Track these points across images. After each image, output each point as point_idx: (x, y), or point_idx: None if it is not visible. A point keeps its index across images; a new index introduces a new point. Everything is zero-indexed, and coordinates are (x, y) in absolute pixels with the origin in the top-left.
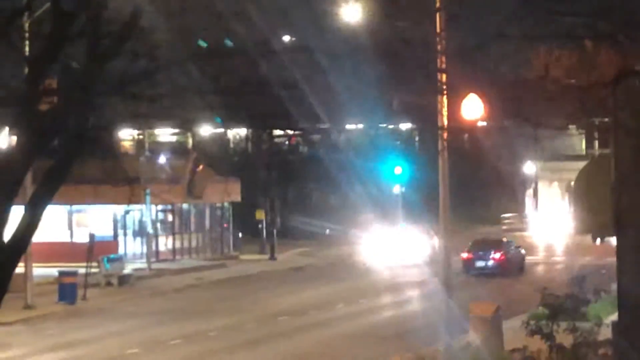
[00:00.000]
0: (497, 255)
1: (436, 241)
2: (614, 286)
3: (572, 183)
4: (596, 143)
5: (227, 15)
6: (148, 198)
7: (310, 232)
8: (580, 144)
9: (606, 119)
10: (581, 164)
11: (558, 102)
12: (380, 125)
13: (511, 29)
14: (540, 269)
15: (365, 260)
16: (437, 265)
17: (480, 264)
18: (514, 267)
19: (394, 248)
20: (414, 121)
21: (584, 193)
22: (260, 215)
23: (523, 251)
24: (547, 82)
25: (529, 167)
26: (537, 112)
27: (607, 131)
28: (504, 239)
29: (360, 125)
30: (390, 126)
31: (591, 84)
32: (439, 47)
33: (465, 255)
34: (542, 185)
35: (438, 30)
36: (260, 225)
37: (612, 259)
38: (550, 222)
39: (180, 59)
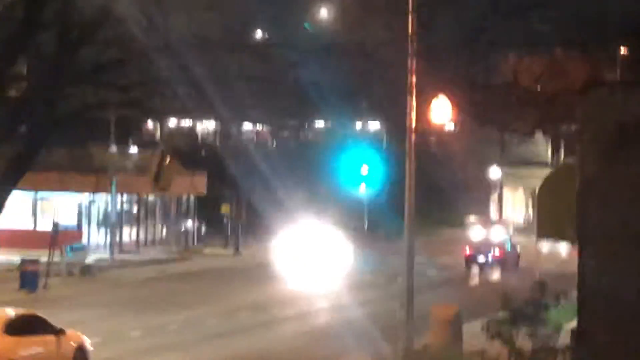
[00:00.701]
0: (497, 252)
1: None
2: (575, 293)
3: (537, 189)
4: (562, 151)
5: (200, 8)
6: (114, 188)
7: (276, 228)
8: (546, 151)
9: (573, 127)
10: (546, 171)
11: (526, 109)
12: (349, 124)
13: (482, 34)
14: (503, 274)
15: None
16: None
17: (481, 259)
18: (511, 261)
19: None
20: (382, 121)
21: (549, 200)
22: (225, 209)
23: (519, 249)
24: (516, 88)
25: (495, 172)
26: (505, 118)
27: (573, 139)
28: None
29: (329, 124)
30: (359, 126)
31: (559, 91)
32: (410, 48)
33: (467, 251)
34: (507, 191)
35: (410, 32)
36: (225, 220)
37: (574, 266)
38: (514, 227)
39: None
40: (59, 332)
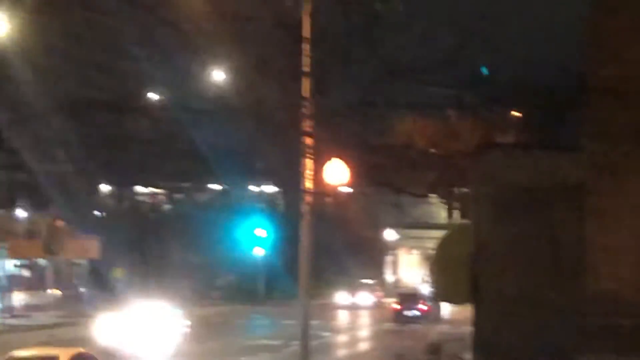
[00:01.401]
0: (424, 306)
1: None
2: (469, 355)
3: (432, 251)
4: (456, 212)
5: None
6: (4, 252)
7: (171, 292)
8: (441, 212)
9: (466, 189)
10: (441, 233)
11: (421, 170)
12: (244, 186)
13: (377, 96)
14: (401, 335)
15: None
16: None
17: (408, 313)
18: (434, 314)
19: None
20: (278, 184)
21: (444, 261)
22: (117, 273)
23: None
24: (411, 150)
25: (390, 234)
26: (400, 179)
27: (467, 201)
28: (423, 292)
29: (224, 186)
30: (255, 188)
31: (453, 153)
32: (305, 111)
33: (396, 306)
34: (401, 252)
35: (305, 94)
36: (119, 284)
37: (468, 327)
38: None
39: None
40: None
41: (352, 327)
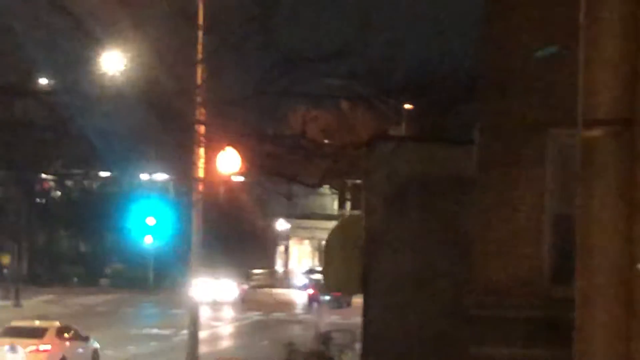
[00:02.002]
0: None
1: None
2: (359, 345)
3: (324, 241)
4: (348, 203)
5: None
6: None
7: (58, 279)
8: (332, 203)
9: (358, 180)
10: (332, 223)
11: (313, 161)
12: (136, 174)
13: (271, 85)
14: (290, 325)
15: None
16: None
17: (324, 297)
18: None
19: None
20: (169, 172)
21: (335, 252)
22: (5, 259)
23: None
24: (304, 140)
25: (282, 224)
26: (293, 170)
27: (359, 192)
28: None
29: (115, 173)
30: (147, 176)
31: (346, 144)
32: (198, 99)
33: (310, 291)
34: (293, 243)
35: (198, 82)
36: (5, 270)
37: (359, 318)
38: (300, 279)
39: None
40: (86, 338)
41: (244, 317)
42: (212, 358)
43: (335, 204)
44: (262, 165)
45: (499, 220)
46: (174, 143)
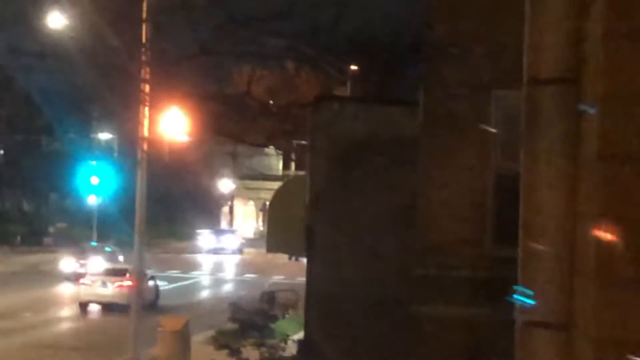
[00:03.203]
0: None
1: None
2: (302, 304)
3: (268, 202)
4: (292, 164)
5: None
6: None
7: (1, 238)
8: (277, 163)
9: (303, 141)
10: (277, 184)
11: (259, 121)
12: (80, 133)
13: (216, 45)
14: (234, 285)
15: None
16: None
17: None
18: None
19: None
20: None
21: (279, 212)
22: None
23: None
24: (249, 100)
25: (226, 185)
26: (238, 130)
27: (303, 152)
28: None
29: (60, 133)
30: (91, 135)
31: (290, 105)
32: (143, 57)
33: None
34: (238, 203)
35: (144, 40)
36: None
37: (303, 278)
38: (244, 239)
39: None
40: (153, 277)
41: (187, 277)
42: (156, 317)
43: (280, 165)
44: (207, 124)
45: (443, 180)
46: (119, 102)
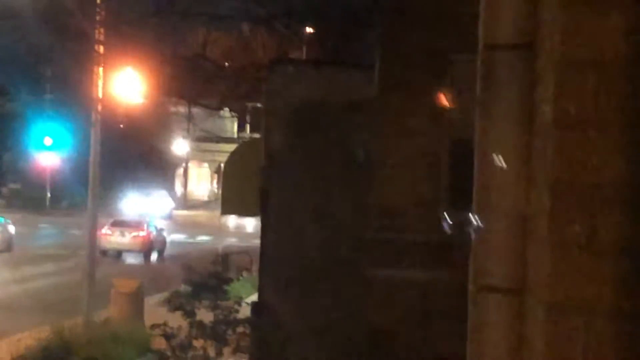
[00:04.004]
0: None
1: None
2: (256, 267)
3: (222, 165)
4: (247, 126)
5: None
6: None
7: None
8: (232, 126)
9: (259, 104)
10: (232, 146)
11: (214, 83)
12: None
13: (170, 6)
14: (188, 247)
15: None
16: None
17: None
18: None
19: None
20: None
21: (233, 175)
22: None
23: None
24: (204, 62)
25: (181, 146)
26: (193, 92)
27: (259, 115)
28: None
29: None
30: (44, 96)
31: (246, 67)
32: (97, 18)
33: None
34: (192, 165)
35: (98, 1)
36: None
37: (258, 241)
38: (199, 201)
39: None
40: (162, 229)
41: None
42: (110, 278)
43: (235, 127)
44: (162, 86)
45: (398, 144)
46: (74, 63)
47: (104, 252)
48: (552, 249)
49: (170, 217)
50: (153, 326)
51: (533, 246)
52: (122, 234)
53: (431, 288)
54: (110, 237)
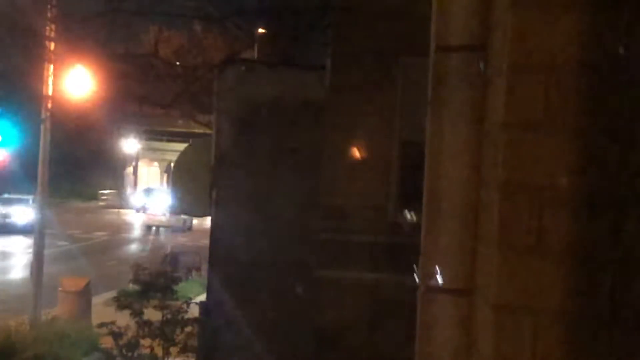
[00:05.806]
0: None
1: None
2: (205, 266)
3: (172, 163)
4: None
5: None
6: None
7: None
8: (183, 125)
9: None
10: (182, 146)
11: (165, 82)
12: None
13: (124, 3)
14: (137, 246)
15: None
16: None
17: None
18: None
19: None
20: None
21: (184, 174)
22: None
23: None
24: (155, 60)
25: (131, 145)
26: (144, 90)
27: (210, 114)
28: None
29: None
30: None
31: (197, 66)
32: (49, 14)
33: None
34: (142, 164)
35: None
36: None
37: (206, 241)
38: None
39: None
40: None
41: (89, 237)
42: (58, 277)
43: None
44: (113, 84)
45: (348, 145)
46: (24, 59)
47: (149, 228)
48: (500, 250)
49: (31, 228)
50: (101, 325)
51: (482, 247)
52: (164, 214)
53: (380, 289)
54: (155, 216)
